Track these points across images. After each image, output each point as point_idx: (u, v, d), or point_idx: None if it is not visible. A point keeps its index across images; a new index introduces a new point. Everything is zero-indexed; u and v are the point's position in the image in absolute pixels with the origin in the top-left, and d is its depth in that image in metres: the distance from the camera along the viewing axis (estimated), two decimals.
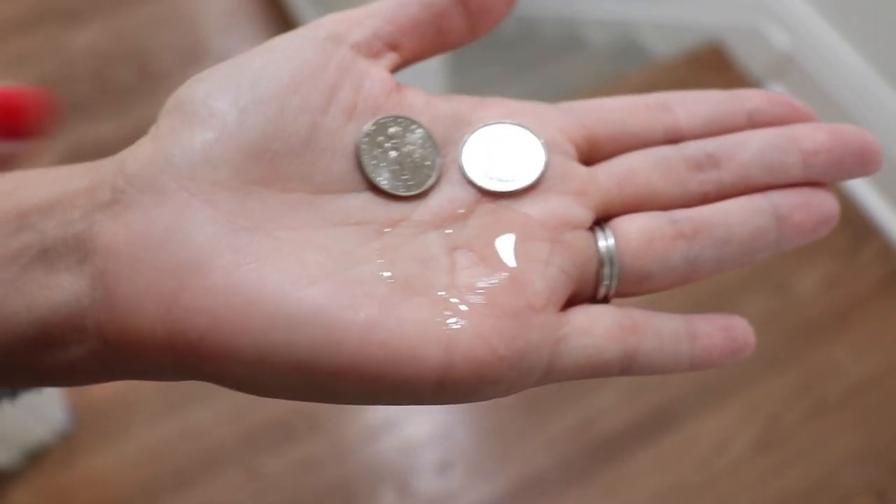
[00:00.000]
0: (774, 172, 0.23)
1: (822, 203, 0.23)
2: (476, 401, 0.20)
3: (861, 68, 1.19)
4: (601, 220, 0.23)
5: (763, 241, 0.22)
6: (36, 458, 0.96)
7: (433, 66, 1.05)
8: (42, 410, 0.95)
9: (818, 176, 0.23)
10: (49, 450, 0.97)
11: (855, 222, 1.24)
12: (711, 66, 1.39)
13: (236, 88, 0.20)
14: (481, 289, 0.20)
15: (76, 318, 0.19)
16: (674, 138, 0.24)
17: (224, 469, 0.99)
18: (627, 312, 0.22)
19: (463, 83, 1.44)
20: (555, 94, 1.47)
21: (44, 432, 0.96)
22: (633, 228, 0.22)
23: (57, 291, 0.19)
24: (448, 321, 0.19)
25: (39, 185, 0.20)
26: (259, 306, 0.18)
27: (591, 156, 0.24)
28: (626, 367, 0.21)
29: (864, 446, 1.06)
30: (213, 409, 1.03)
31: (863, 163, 0.23)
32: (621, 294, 0.23)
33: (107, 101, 1.35)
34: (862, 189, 1.25)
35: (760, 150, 0.23)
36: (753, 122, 0.24)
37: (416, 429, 1.04)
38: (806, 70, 1.28)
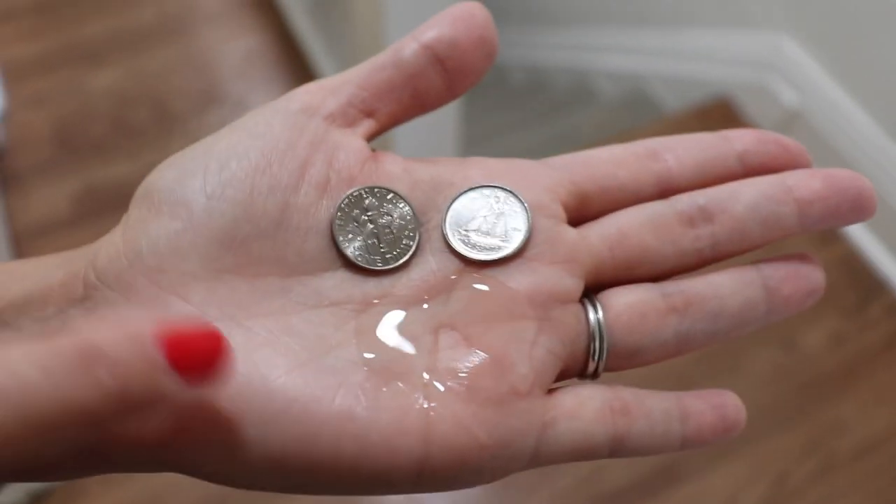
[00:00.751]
0: (769, 224, 0.22)
1: (810, 275, 0.22)
2: (459, 489, 0.19)
3: (868, 126, 1.21)
4: (591, 288, 0.22)
5: (753, 314, 0.22)
6: (39, 500, 0.96)
7: (445, 117, 1.06)
8: None
9: (813, 225, 0.22)
10: (52, 491, 0.97)
11: (862, 279, 1.24)
12: (721, 120, 1.41)
13: (203, 173, 0.20)
14: (463, 373, 0.20)
15: None
16: (665, 188, 0.23)
17: None
18: (617, 393, 0.21)
19: (474, 133, 1.45)
20: (565, 144, 1.49)
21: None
22: (624, 303, 0.22)
23: None
24: (426, 408, 0.19)
25: (14, 279, 0.20)
26: (228, 402, 0.18)
27: (581, 212, 0.23)
28: (615, 450, 0.21)
29: None
30: None
31: (858, 209, 0.22)
32: (611, 369, 0.22)
33: (123, 142, 1.37)
34: (870, 245, 1.26)
35: (754, 201, 0.22)
36: (745, 165, 0.23)
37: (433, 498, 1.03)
38: (813, 126, 1.29)
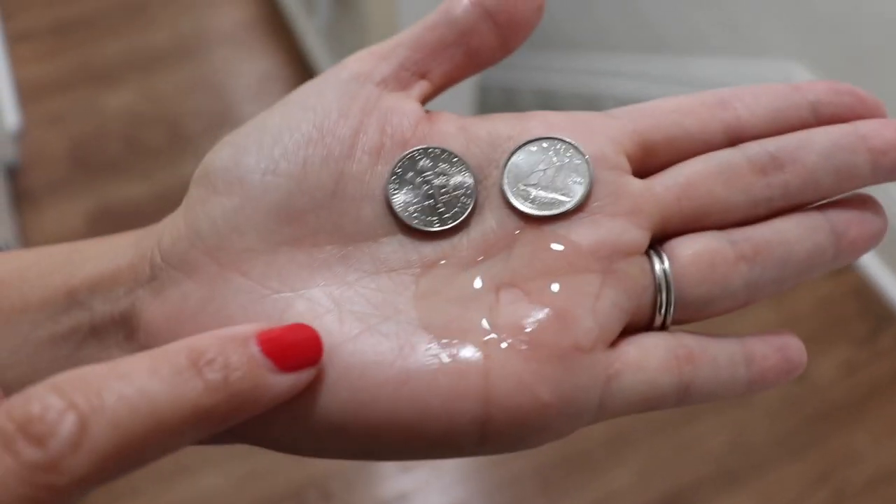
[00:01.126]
0: (842, 174, 0.21)
1: (874, 218, 0.22)
2: (525, 448, 0.19)
3: None
4: (657, 239, 0.22)
5: (821, 259, 0.21)
6: None
7: None
8: None
9: (887, 175, 0.22)
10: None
11: (874, 309, 1.24)
12: None
13: (257, 149, 0.20)
14: (525, 329, 0.19)
15: None
16: (735, 137, 0.22)
17: None
18: (681, 340, 0.21)
19: None
20: None
21: None
22: (692, 252, 0.21)
23: None
24: (486, 368, 0.19)
25: (85, 259, 0.21)
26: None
27: (646, 163, 0.22)
28: (681, 398, 0.20)
29: None
30: (226, 475, 1.02)
31: None
32: (679, 321, 0.21)
33: (137, 162, 1.38)
34: (882, 276, 1.25)
35: (827, 150, 0.21)
36: (818, 115, 0.22)
37: (428, 502, 1.02)
38: None
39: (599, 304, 0.20)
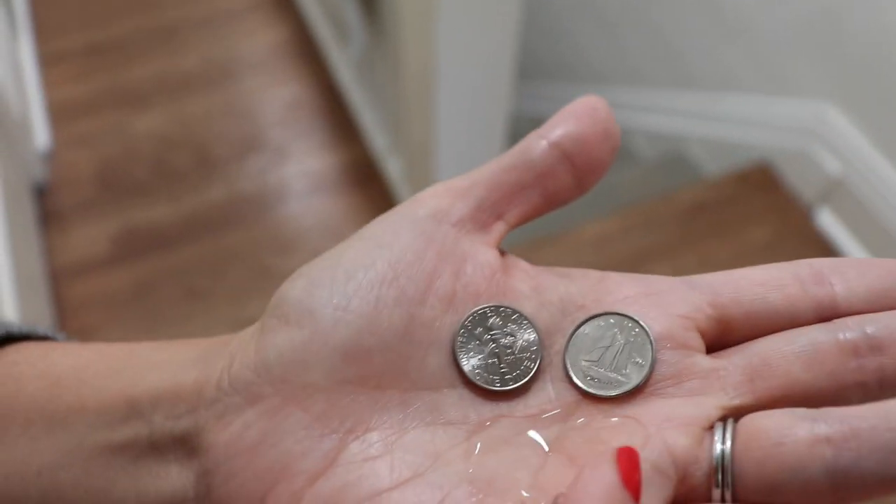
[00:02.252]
0: None
1: None
2: None
3: None
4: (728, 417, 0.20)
5: None
6: None
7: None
8: None
9: None
10: None
11: None
12: (760, 185, 1.40)
13: (331, 284, 0.20)
14: (560, 490, 0.18)
15: None
16: (828, 315, 0.20)
17: None
18: None
19: None
20: (601, 202, 1.49)
21: None
22: (759, 427, 0.19)
23: (167, 482, 0.20)
24: None
25: (147, 368, 0.21)
26: None
27: (723, 339, 0.21)
28: None
29: None
30: None
31: None
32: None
33: (164, 184, 1.39)
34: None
35: None
36: None
37: None
38: (855, 195, 1.28)
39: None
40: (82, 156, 1.42)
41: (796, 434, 0.18)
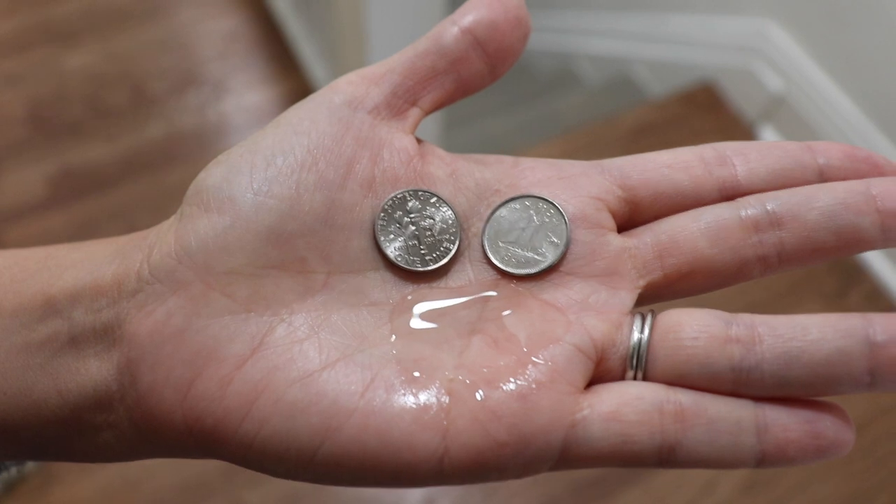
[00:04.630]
0: (845, 235, 0.20)
1: None
2: (484, 482, 0.19)
3: (852, 113, 1.21)
4: (648, 297, 0.22)
5: (847, 371, 0.18)
6: (13, 486, 0.94)
7: None
8: None
9: None
10: (26, 477, 0.95)
11: (843, 265, 1.24)
12: (705, 105, 1.40)
13: (250, 170, 0.20)
14: (486, 371, 0.19)
15: (105, 401, 0.20)
16: (730, 196, 0.22)
17: (205, 500, 0.97)
18: (673, 395, 0.19)
19: (457, 115, 1.44)
20: (547, 127, 1.48)
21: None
22: (679, 321, 0.20)
23: (86, 376, 0.20)
24: (447, 406, 0.19)
25: (64, 267, 0.21)
26: (264, 394, 0.19)
27: (633, 218, 0.22)
28: (665, 459, 0.19)
29: (851, 489, 1.05)
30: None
31: None
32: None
33: (99, 123, 1.35)
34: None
35: (830, 209, 0.20)
36: (825, 180, 0.21)
37: None
38: (798, 112, 1.29)
39: (560, 346, 0.20)
40: (11, 96, 1.37)
41: (711, 331, 0.19)
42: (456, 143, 1.33)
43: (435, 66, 0.22)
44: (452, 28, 0.22)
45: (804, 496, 1.04)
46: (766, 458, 0.19)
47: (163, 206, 1.28)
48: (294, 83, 1.42)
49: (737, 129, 1.37)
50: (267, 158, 0.20)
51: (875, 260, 1.24)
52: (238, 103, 1.40)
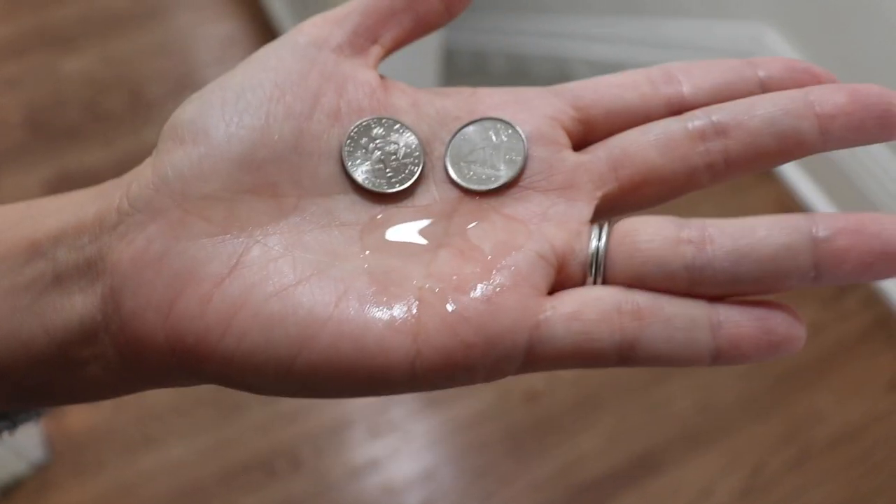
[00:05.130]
0: (787, 139, 0.21)
1: (882, 231, 0.19)
2: (456, 386, 0.20)
3: None
4: (604, 209, 0.23)
5: (792, 265, 0.19)
6: (9, 492, 0.94)
7: None
8: (18, 442, 0.93)
9: (836, 142, 0.21)
10: (22, 482, 0.95)
11: None
12: None
13: (221, 104, 0.21)
14: (454, 278, 0.20)
15: (91, 333, 0.20)
16: (677, 111, 0.23)
17: None
18: (632, 296, 0.20)
19: None
20: None
21: (19, 465, 0.94)
22: (634, 227, 0.21)
23: (72, 312, 0.21)
24: (417, 311, 0.20)
25: (47, 214, 0.22)
26: (242, 309, 0.20)
27: (587, 137, 0.23)
28: (624, 356, 0.20)
29: (847, 495, 1.05)
30: (192, 445, 1.01)
31: (885, 126, 0.21)
32: None
33: (97, 128, 1.35)
34: None
35: (771, 115, 0.21)
36: (767, 91, 0.22)
37: (399, 469, 1.02)
38: None
39: (522, 252, 0.21)
40: (9, 100, 1.37)
41: (663, 234, 0.20)
42: None
43: (393, 6, 0.24)
44: None
45: (800, 501, 1.04)
46: (721, 354, 0.19)
47: None
48: None
49: None
50: (237, 93, 0.22)
51: None
52: None
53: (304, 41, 0.23)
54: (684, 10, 1.43)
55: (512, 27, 1.92)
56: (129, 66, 1.44)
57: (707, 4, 1.39)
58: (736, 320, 0.19)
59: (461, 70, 2.03)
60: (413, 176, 0.23)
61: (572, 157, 0.23)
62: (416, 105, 0.24)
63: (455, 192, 0.23)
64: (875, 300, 1.22)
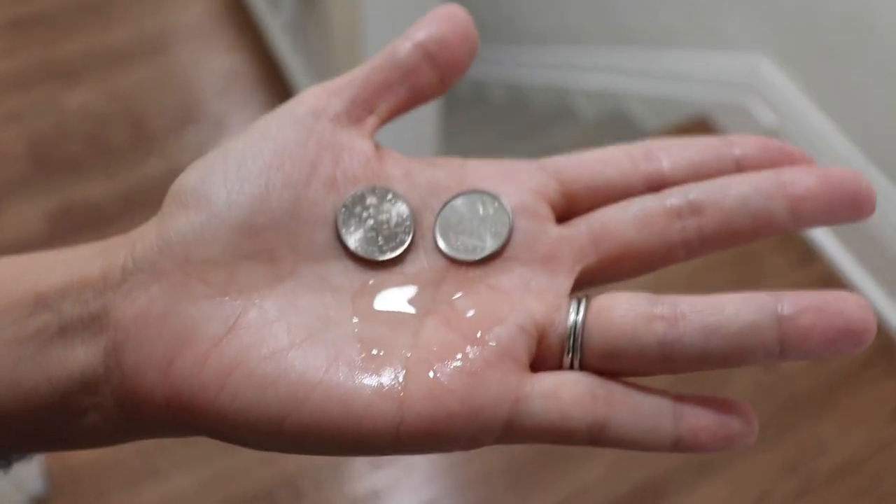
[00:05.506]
0: (760, 219, 0.22)
1: (844, 309, 0.20)
2: (439, 452, 0.21)
3: (845, 146, 1.22)
4: (583, 283, 0.24)
5: (757, 342, 0.20)
6: None
7: (425, 135, 1.06)
8: (18, 475, 0.93)
9: (807, 222, 0.22)
10: (51, 497, 0.95)
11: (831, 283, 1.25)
12: None
13: (224, 172, 0.22)
14: (439, 349, 0.21)
15: (92, 384, 0.21)
16: (656, 187, 0.24)
17: None
18: (605, 384, 0.21)
19: (453, 150, 1.45)
20: None
21: (18, 498, 0.94)
22: (609, 303, 0.22)
23: (74, 363, 0.21)
24: (405, 380, 0.21)
25: (53, 268, 0.23)
26: (237, 369, 0.20)
27: (570, 211, 0.24)
28: (595, 437, 0.21)
29: None
30: (194, 477, 1.01)
31: (855, 208, 0.22)
32: (593, 369, 0.22)
33: (99, 161, 1.36)
34: (847, 265, 1.26)
35: (744, 195, 0.22)
36: (742, 170, 0.23)
37: (400, 501, 1.02)
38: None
39: (504, 326, 0.22)
40: (13, 133, 1.38)
41: (637, 310, 0.21)
42: None
43: (389, 78, 0.24)
44: (406, 43, 0.24)
45: None
46: (681, 442, 0.21)
47: None
48: None
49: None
50: (238, 161, 0.22)
51: (871, 292, 1.24)
52: None
53: (303, 111, 0.24)
54: (680, 40, 1.45)
55: (511, 58, 1.94)
56: (132, 100, 1.45)
57: (702, 35, 1.41)
58: (696, 413, 0.21)
59: (462, 99, 2.05)
60: (403, 244, 0.24)
61: (555, 231, 0.24)
62: (408, 175, 0.25)
63: (443, 261, 0.24)
64: (876, 329, 1.22)
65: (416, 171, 0.25)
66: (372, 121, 0.25)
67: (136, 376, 0.21)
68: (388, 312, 0.22)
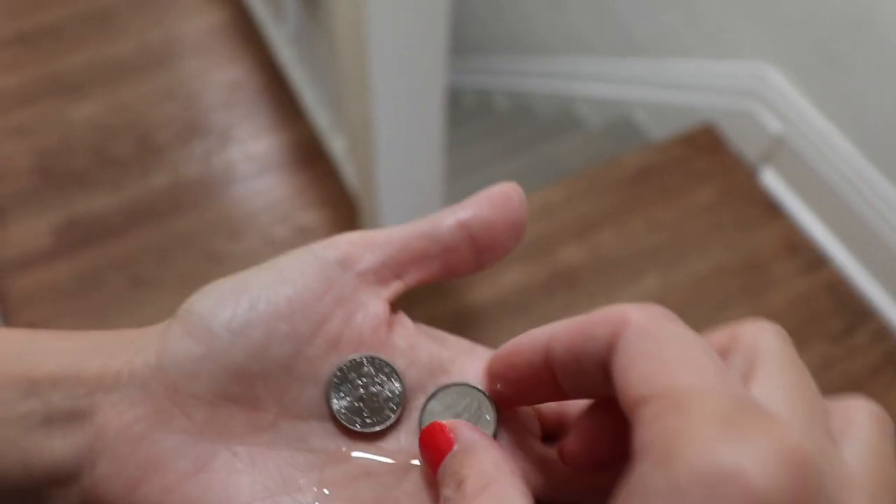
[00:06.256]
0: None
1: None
2: None
3: (850, 152, 1.22)
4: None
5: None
6: None
7: (428, 146, 1.06)
8: None
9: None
10: None
11: (849, 305, 1.24)
12: (705, 147, 1.41)
13: (235, 308, 0.22)
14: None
15: (63, 478, 0.21)
16: None
17: None
18: None
19: (459, 163, 1.45)
20: (549, 171, 1.49)
21: None
22: None
23: (51, 454, 0.21)
24: None
25: (51, 354, 0.23)
26: None
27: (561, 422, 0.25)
28: None
29: None
30: None
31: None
32: None
33: (105, 173, 1.36)
34: (855, 271, 1.26)
35: None
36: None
37: None
38: (797, 153, 1.30)
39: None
40: (19, 146, 1.38)
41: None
42: (458, 191, 1.33)
43: (427, 250, 0.24)
44: (450, 218, 0.24)
45: None
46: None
47: (167, 255, 1.29)
48: (299, 131, 1.43)
49: (738, 170, 1.38)
50: (251, 303, 0.22)
51: (880, 300, 1.23)
52: (243, 152, 1.41)
53: (333, 257, 0.23)
54: (686, 49, 1.45)
55: (516, 67, 1.94)
56: (137, 113, 1.45)
57: (708, 44, 1.41)
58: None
59: (466, 109, 2.05)
60: (387, 421, 0.23)
61: (538, 447, 0.24)
62: (412, 349, 0.24)
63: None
64: (884, 336, 1.22)
65: (420, 346, 0.24)
66: (396, 285, 0.24)
67: (104, 485, 0.21)
68: (353, 486, 0.22)
